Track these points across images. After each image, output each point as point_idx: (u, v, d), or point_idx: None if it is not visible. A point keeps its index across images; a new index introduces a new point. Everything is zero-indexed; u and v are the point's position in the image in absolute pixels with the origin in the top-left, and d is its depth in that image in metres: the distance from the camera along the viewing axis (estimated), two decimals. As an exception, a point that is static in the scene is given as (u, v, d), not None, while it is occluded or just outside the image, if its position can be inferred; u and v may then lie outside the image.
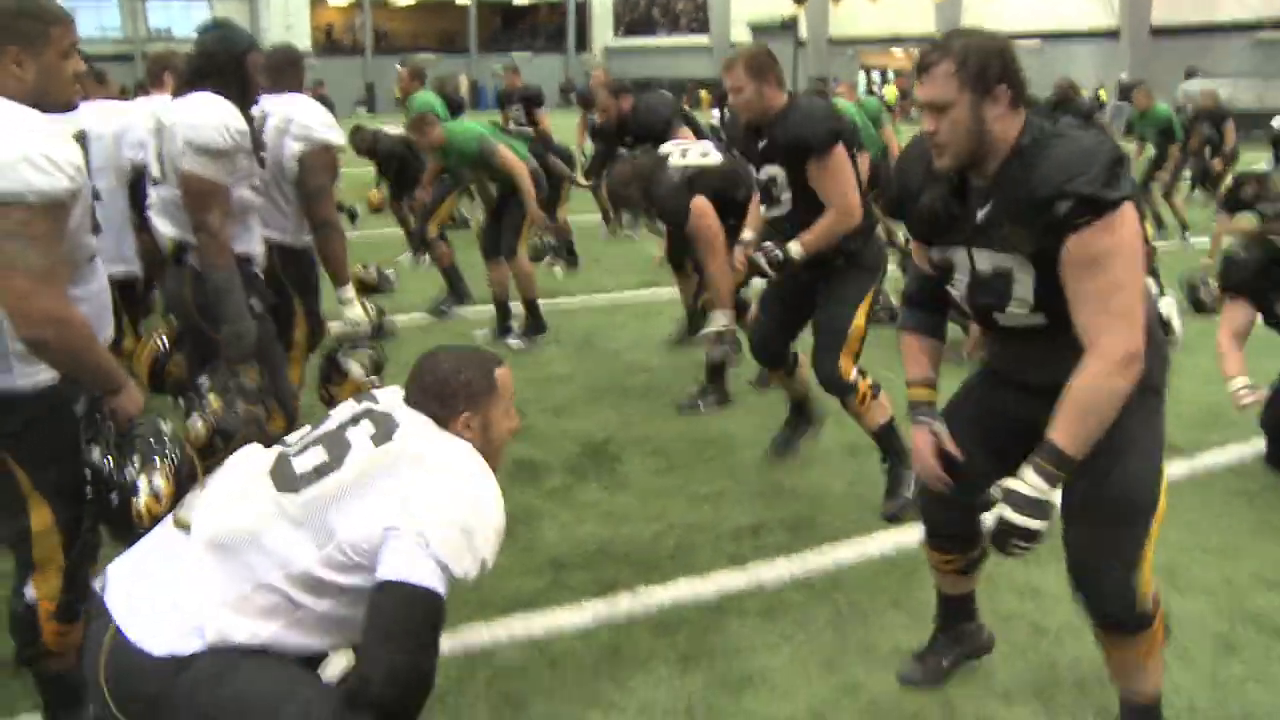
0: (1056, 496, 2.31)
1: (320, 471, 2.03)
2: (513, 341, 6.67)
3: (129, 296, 4.04)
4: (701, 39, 45.46)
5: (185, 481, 2.50)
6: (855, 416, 4.19)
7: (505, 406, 2.23)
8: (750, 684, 2.98)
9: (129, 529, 2.43)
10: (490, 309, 7.00)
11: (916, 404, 2.68)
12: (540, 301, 6.82)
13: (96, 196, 3.80)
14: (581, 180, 9.32)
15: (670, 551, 3.81)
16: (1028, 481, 2.28)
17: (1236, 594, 3.47)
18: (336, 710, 1.92)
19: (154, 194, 3.43)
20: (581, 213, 11.28)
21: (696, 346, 6.27)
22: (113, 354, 2.65)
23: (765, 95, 3.94)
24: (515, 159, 6.31)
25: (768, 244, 4.10)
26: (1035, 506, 2.28)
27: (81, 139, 3.79)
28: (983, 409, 2.64)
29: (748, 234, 4.43)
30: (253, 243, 3.52)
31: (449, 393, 2.16)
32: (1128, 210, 2.17)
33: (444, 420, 2.14)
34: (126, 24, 40.98)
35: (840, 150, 3.88)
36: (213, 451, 2.55)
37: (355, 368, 3.90)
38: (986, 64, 2.25)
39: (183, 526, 2.07)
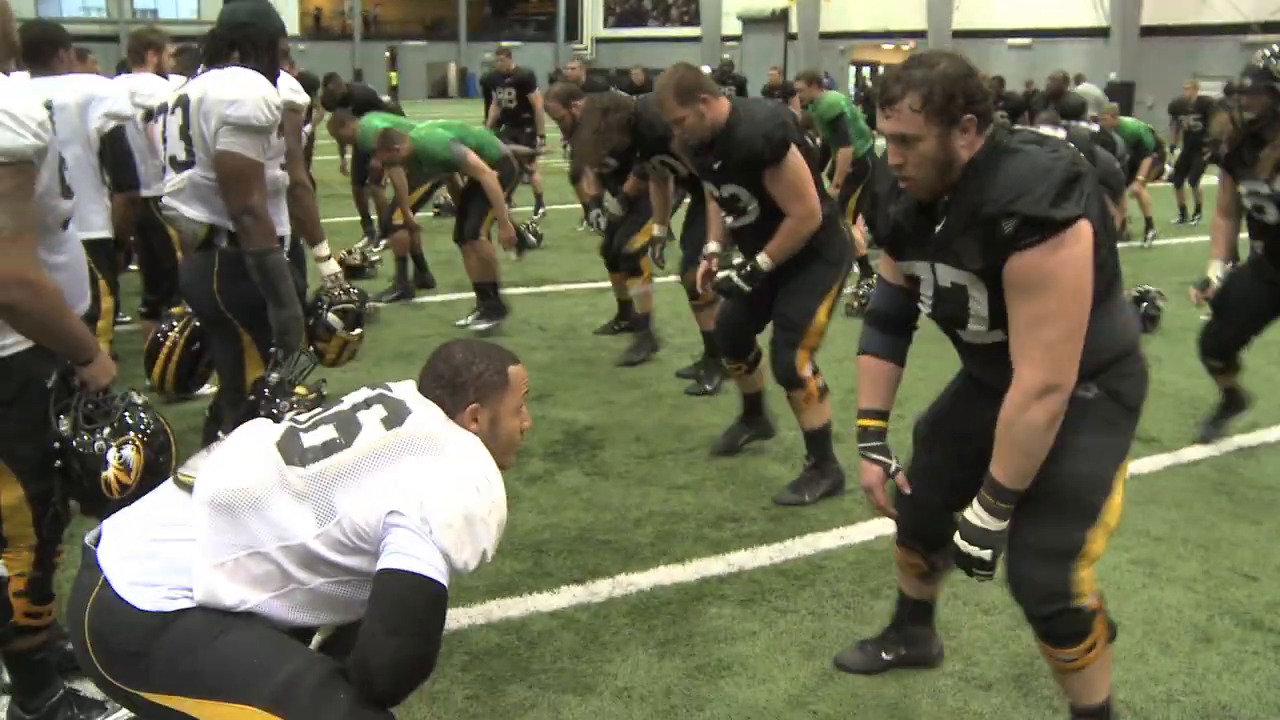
0: (1001, 525, 2.29)
1: (329, 449, 2.02)
2: (474, 325, 6.65)
3: (101, 257, 4.04)
4: (693, 30, 45.33)
5: (158, 452, 2.48)
6: (795, 410, 4.16)
7: (516, 404, 2.23)
8: (729, 670, 2.97)
9: (98, 501, 2.40)
10: (469, 296, 6.98)
11: (866, 433, 2.61)
12: (524, 289, 6.80)
13: (63, 165, 3.86)
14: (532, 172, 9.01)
15: (650, 538, 3.79)
16: (975, 512, 2.29)
17: (1215, 586, 3.47)
18: (326, 682, 1.91)
19: (181, 177, 3.21)
20: (566, 203, 11.25)
21: (669, 336, 6.27)
22: (87, 323, 2.62)
23: (705, 114, 3.86)
24: (481, 164, 6.34)
25: (737, 260, 4.08)
26: (982, 535, 2.29)
27: (47, 109, 3.82)
28: (963, 419, 2.58)
29: (712, 245, 4.36)
30: (285, 224, 3.42)
31: (460, 383, 2.15)
32: (1077, 231, 2.09)
33: (452, 410, 2.13)
34: (111, 4, 40.67)
35: (793, 155, 3.81)
36: None
37: (338, 323, 3.88)
38: (952, 94, 2.15)
39: (184, 486, 2.05)
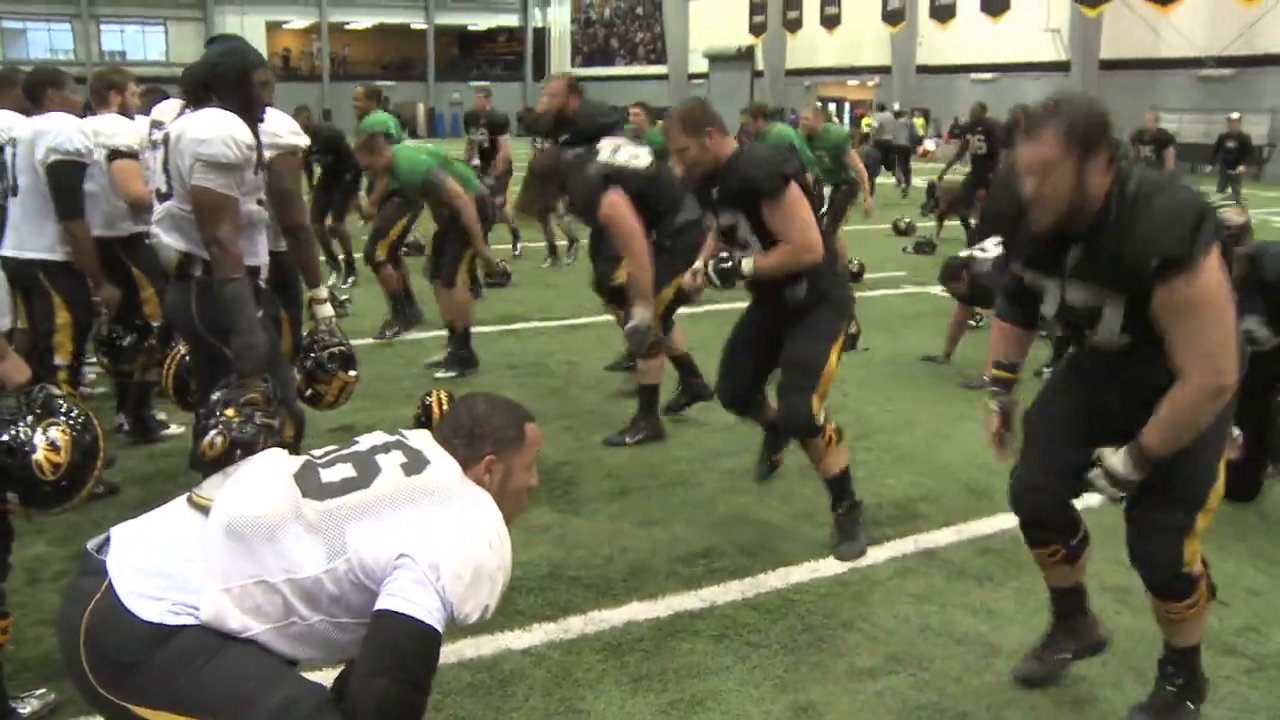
0: (1138, 477, 2.57)
1: (347, 486, 2.05)
2: (440, 374, 6.49)
3: (54, 277, 4.40)
4: (659, 68, 45.72)
5: (83, 431, 2.54)
6: (814, 459, 4.00)
7: (528, 461, 2.29)
8: (702, 706, 2.95)
9: (35, 487, 2.45)
10: (443, 334, 6.93)
11: (996, 381, 3.00)
12: (495, 327, 6.76)
13: (15, 192, 4.36)
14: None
15: (622, 574, 3.77)
16: (1122, 460, 2.58)
17: (1187, 613, 3.47)
18: (319, 711, 1.93)
19: (161, 208, 3.43)
20: (534, 240, 11.26)
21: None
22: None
23: (709, 147, 3.85)
24: (460, 191, 6.29)
25: (721, 254, 4.00)
26: (1125, 483, 2.60)
27: (14, 144, 4.30)
28: (1074, 408, 2.82)
29: (698, 265, 4.30)
30: (260, 255, 3.56)
31: (479, 434, 2.20)
32: (1209, 260, 2.37)
33: (468, 460, 2.17)
34: (79, 46, 40.60)
35: (793, 190, 3.77)
36: (231, 463, 2.57)
37: (335, 365, 3.91)
38: (1091, 126, 2.41)
39: (199, 509, 2.07)
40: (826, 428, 3.92)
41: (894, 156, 18.91)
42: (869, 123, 34.69)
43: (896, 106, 31.19)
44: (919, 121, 18.58)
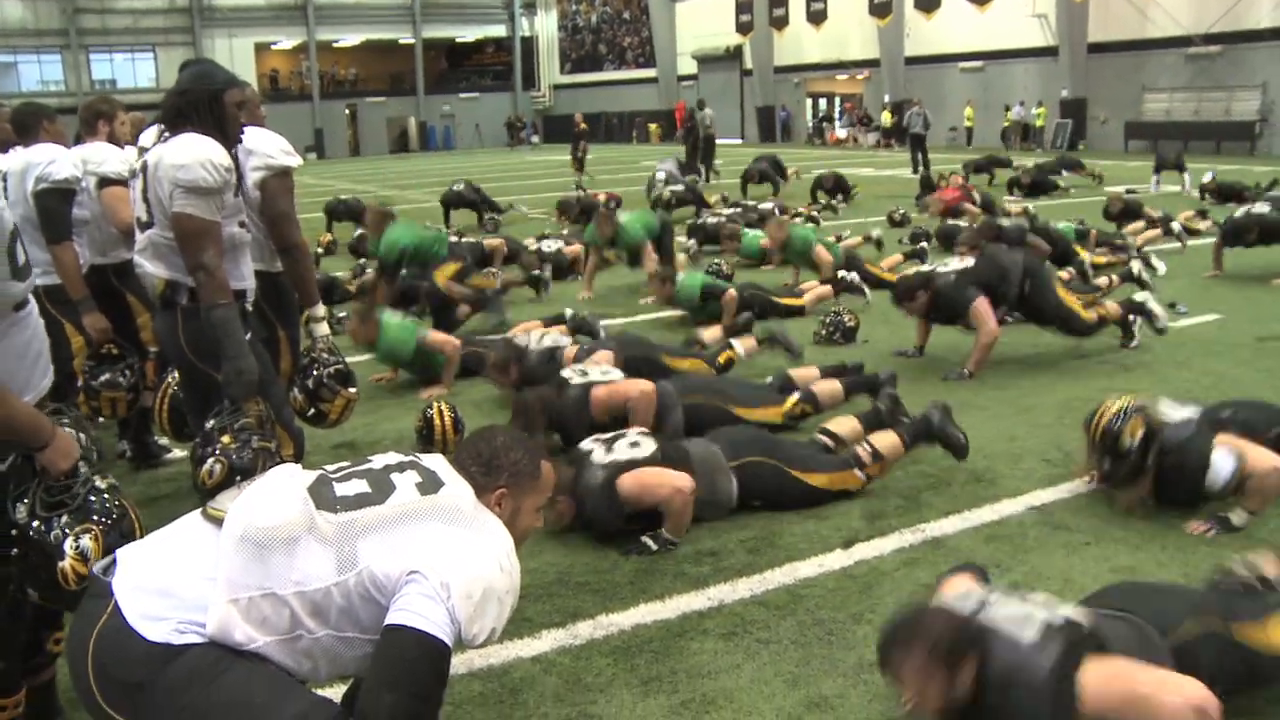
0: None
1: (361, 501, 2.07)
2: None
3: (56, 303, 4.34)
4: (648, 72, 45.75)
5: (121, 538, 2.35)
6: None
7: (538, 501, 2.31)
8: (714, 704, 2.94)
9: (56, 590, 2.31)
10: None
11: None
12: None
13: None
14: None
15: (629, 577, 3.76)
16: None
17: (1195, 591, 3.47)
18: None
19: (143, 236, 3.41)
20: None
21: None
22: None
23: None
24: (444, 339, 6.46)
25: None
26: None
27: (4, 177, 4.23)
28: None
29: None
30: (246, 278, 3.56)
31: (496, 465, 2.23)
32: None
33: (482, 489, 2.19)
34: (69, 76, 40.68)
35: None
36: (232, 489, 2.43)
37: (337, 384, 3.94)
38: (954, 643, 2.42)
39: (213, 520, 2.07)
40: (867, 473, 4.33)
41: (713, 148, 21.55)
42: (889, 118, 34.70)
43: (886, 98, 31.41)
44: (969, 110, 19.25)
